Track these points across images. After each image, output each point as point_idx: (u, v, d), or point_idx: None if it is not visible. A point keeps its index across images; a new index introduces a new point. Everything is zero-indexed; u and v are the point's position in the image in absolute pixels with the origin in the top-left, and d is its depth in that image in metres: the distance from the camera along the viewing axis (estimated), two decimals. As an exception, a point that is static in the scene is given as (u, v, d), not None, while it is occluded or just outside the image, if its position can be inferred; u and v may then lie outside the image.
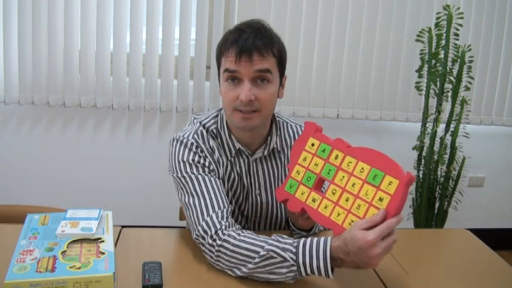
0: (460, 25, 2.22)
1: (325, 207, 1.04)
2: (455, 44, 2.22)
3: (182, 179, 1.17)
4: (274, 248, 1.01)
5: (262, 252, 1.01)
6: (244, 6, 2.38)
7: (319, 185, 1.09)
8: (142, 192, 2.56)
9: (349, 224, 0.99)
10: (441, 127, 2.30)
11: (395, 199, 0.93)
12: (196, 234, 1.10)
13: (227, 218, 1.10)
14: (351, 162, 1.03)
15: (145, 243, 1.20)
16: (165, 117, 2.51)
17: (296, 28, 2.44)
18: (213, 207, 1.11)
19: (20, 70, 2.29)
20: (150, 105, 2.42)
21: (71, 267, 0.87)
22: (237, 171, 1.26)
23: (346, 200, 1.01)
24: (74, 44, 2.30)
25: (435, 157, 2.29)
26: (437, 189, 2.35)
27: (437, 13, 2.21)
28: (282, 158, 1.31)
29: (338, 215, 1.01)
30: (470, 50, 2.21)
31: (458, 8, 2.23)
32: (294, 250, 1.00)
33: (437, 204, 2.36)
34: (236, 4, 2.39)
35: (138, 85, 2.39)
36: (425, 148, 2.32)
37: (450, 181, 2.34)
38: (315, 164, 1.10)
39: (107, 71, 2.36)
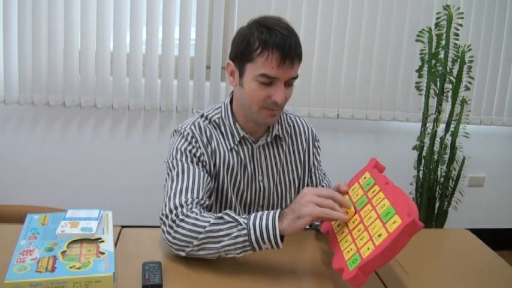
0: (460, 25, 2.22)
1: (342, 232, 1.06)
2: (455, 44, 2.22)
3: (170, 163, 1.21)
4: (229, 212, 1.07)
5: (218, 215, 1.07)
6: (244, 6, 2.38)
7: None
8: (142, 192, 2.56)
9: (348, 252, 0.99)
10: (441, 127, 2.30)
11: (390, 237, 0.91)
12: (162, 213, 1.12)
13: (196, 207, 1.12)
14: (379, 198, 1.04)
15: (145, 243, 1.20)
16: (165, 117, 2.51)
17: (296, 28, 2.40)
18: (186, 193, 1.14)
19: (20, 70, 2.29)
20: (150, 105, 2.42)
21: (70, 267, 0.88)
22: (240, 159, 1.28)
23: (358, 231, 1.02)
24: (74, 44, 2.30)
25: (435, 157, 2.29)
26: (437, 189, 2.35)
27: (437, 13, 2.21)
28: (284, 145, 1.35)
29: (346, 241, 1.02)
30: (470, 50, 2.21)
31: (458, 8, 2.23)
32: (247, 216, 1.06)
33: (437, 204, 2.36)
34: (236, 4, 2.39)
35: (138, 85, 2.39)
36: (425, 148, 2.32)
37: (450, 181, 2.34)
38: (356, 195, 1.12)
39: (107, 71, 2.36)
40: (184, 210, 1.10)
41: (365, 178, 1.15)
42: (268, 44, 1.13)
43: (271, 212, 1.05)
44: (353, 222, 1.05)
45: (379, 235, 0.94)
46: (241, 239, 1.03)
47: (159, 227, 1.15)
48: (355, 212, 1.07)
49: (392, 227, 0.93)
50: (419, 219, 0.93)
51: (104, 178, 2.54)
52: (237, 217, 1.06)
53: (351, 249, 0.98)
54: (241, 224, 1.04)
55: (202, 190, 1.17)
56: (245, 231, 1.03)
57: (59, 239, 0.97)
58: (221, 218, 1.06)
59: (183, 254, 1.09)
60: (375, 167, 1.16)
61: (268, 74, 1.14)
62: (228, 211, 1.08)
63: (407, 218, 0.91)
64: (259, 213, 1.05)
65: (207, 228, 1.05)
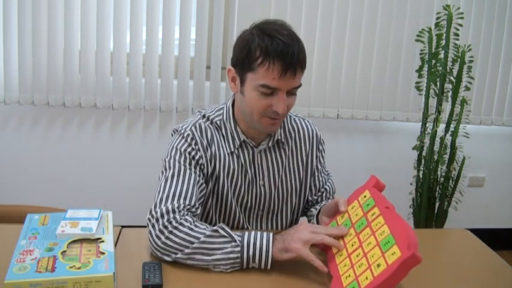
0: (460, 25, 2.22)
1: (341, 254, 1.06)
2: (455, 44, 2.22)
3: (167, 162, 1.20)
4: (224, 227, 1.07)
5: (213, 228, 1.07)
6: (244, 6, 2.38)
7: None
8: (142, 192, 2.54)
9: (346, 277, 0.99)
10: (441, 127, 2.30)
11: (388, 270, 0.91)
12: (152, 215, 1.11)
13: (187, 214, 1.12)
14: (379, 223, 1.04)
15: (145, 243, 1.20)
16: (165, 117, 2.51)
17: (296, 28, 2.40)
18: (179, 198, 1.13)
19: (20, 70, 2.29)
20: (150, 105, 2.42)
21: (70, 267, 0.88)
22: (241, 163, 1.27)
23: (357, 255, 1.01)
24: (74, 44, 2.30)
25: (435, 157, 2.29)
26: (437, 189, 2.35)
27: (437, 13, 2.21)
28: (286, 149, 1.33)
29: (345, 265, 1.02)
30: (470, 50, 2.21)
31: (458, 8, 2.23)
32: (241, 233, 1.07)
33: (437, 204, 2.36)
34: (236, 4, 2.39)
35: (138, 85, 2.39)
36: (425, 148, 2.32)
37: (450, 181, 2.34)
38: (356, 214, 1.11)
39: (107, 71, 2.36)
40: (178, 217, 1.09)
41: (365, 197, 1.13)
42: (269, 54, 1.09)
43: (265, 235, 1.06)
44: (352, 245, 1.05)
45: (378, 265, 0.94)
46: (233, 255, 1.04)
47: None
48: (355, 234, 1.06)
49: (391, 258, 0.92)
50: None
51: (104, 178, 2.54)
52: (231, 233, 1.06)
53: (350, 275, 0.99)
54: (235, 241, 1.05)
55: (195, 197, 1.16)
56: (238, 249, 1.04)
57: (59, 239, 0.97)
58: (216, 231, 1.07)
59: (168, 259, 1.09)
60: (375, 185, 1.14)
61: (269, 84, 1.11)
62: (222, 225, 1.08)
63: (406, 252, 0.90)
64: (253, 233, 1.06)
65: (201, 239, 1.05)
